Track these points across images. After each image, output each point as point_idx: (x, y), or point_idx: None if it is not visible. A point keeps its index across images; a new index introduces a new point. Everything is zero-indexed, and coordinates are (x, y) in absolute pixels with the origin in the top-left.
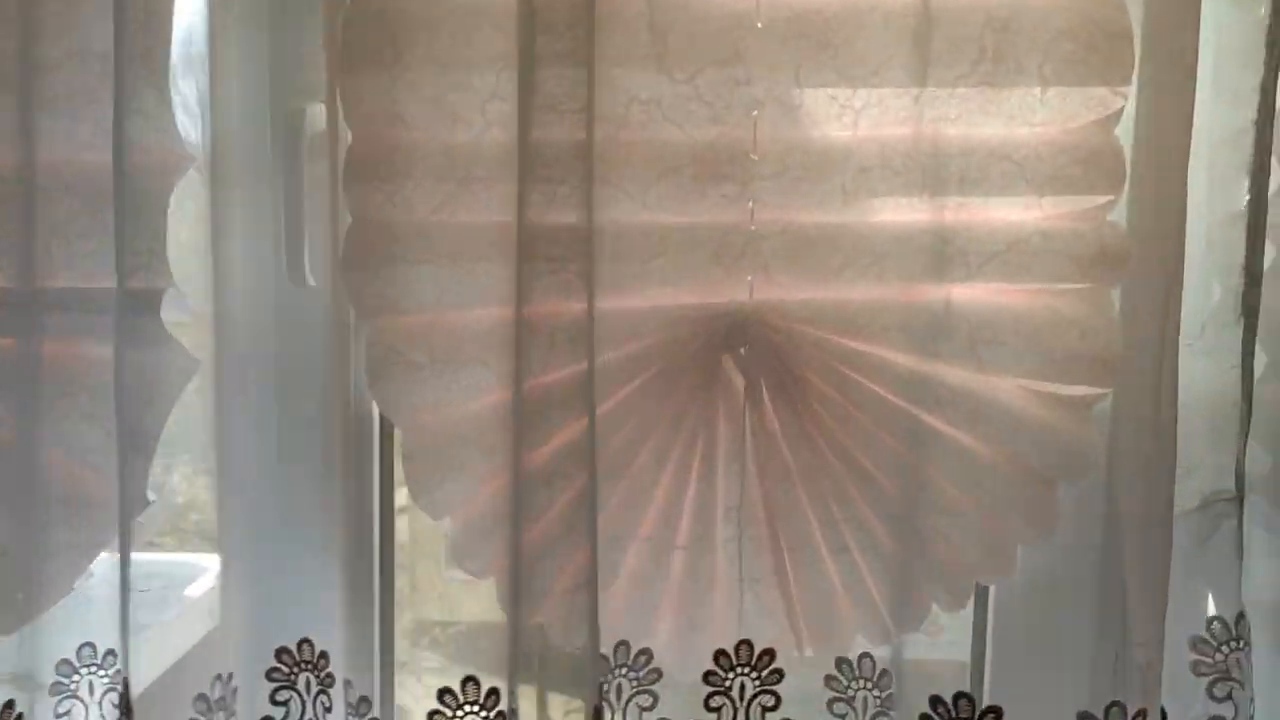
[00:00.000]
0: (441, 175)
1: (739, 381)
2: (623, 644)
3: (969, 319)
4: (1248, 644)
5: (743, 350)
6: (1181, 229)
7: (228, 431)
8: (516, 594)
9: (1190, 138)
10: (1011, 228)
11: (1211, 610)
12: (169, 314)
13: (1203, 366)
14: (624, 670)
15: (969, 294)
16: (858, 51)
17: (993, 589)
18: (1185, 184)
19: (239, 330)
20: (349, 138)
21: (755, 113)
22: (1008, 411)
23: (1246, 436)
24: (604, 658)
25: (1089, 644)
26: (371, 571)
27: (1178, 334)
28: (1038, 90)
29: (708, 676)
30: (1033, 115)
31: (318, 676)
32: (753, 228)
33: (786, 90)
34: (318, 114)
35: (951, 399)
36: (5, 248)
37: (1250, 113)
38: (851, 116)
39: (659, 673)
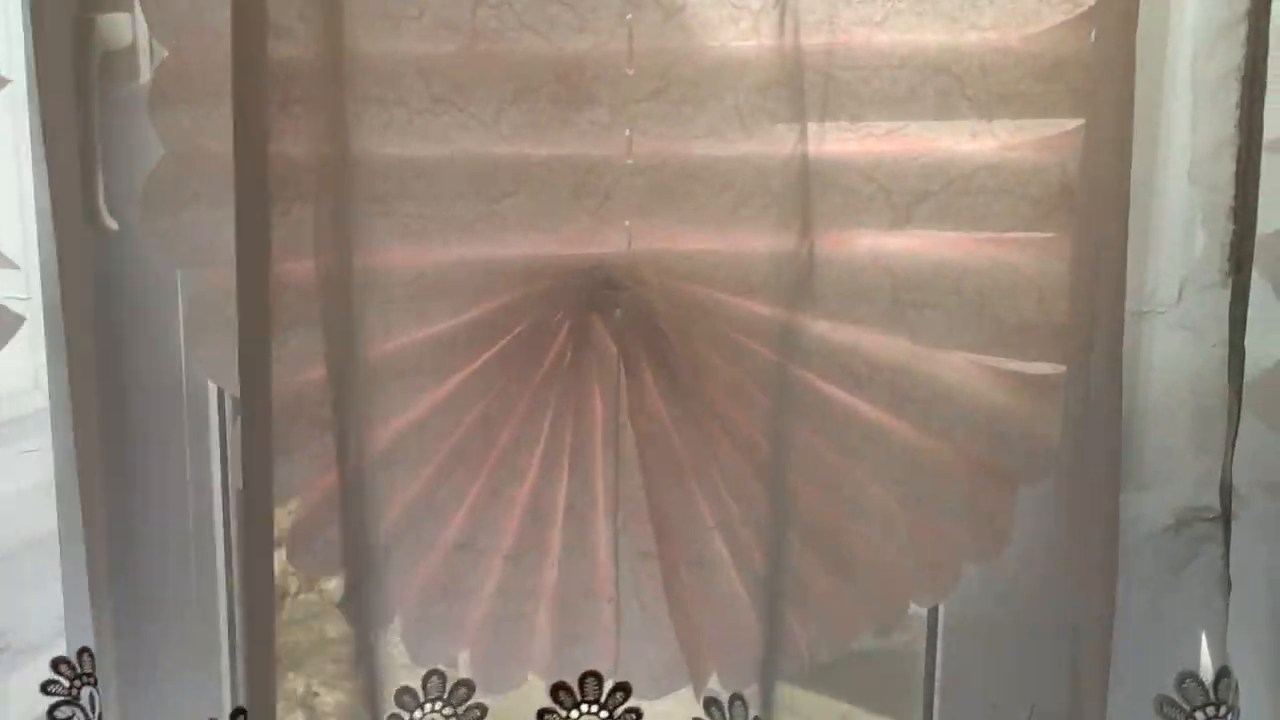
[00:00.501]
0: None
1: (613, 351)
2: (435, 674)
3: (895, 276)
4: (1232, 711)
5: (617, 313)
6: (1124, 161)
7: (54, 403)
8: (358, 603)
9: (1134, 37)
10: (951, 161)
11: (1185, 664)
12: None
13: (1180, 342)
14: (438, 704)
15: (896, 245)
16: None
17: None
18: (1130, 100)
19: (53, 282)
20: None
21: (630, 17)
22: (949, 393)
23: (1236, 436)
24: (408, 691)
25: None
26: (213, 569)
27: (1122, 298)
28: None
29: (542, 716)
30: (980, 17)
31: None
32: (629, 161)
33: None
34: (119, 24)
35: (875, 376)
36: None
37: (1242, 1)
38: (750, 21)
39: (482, 710)
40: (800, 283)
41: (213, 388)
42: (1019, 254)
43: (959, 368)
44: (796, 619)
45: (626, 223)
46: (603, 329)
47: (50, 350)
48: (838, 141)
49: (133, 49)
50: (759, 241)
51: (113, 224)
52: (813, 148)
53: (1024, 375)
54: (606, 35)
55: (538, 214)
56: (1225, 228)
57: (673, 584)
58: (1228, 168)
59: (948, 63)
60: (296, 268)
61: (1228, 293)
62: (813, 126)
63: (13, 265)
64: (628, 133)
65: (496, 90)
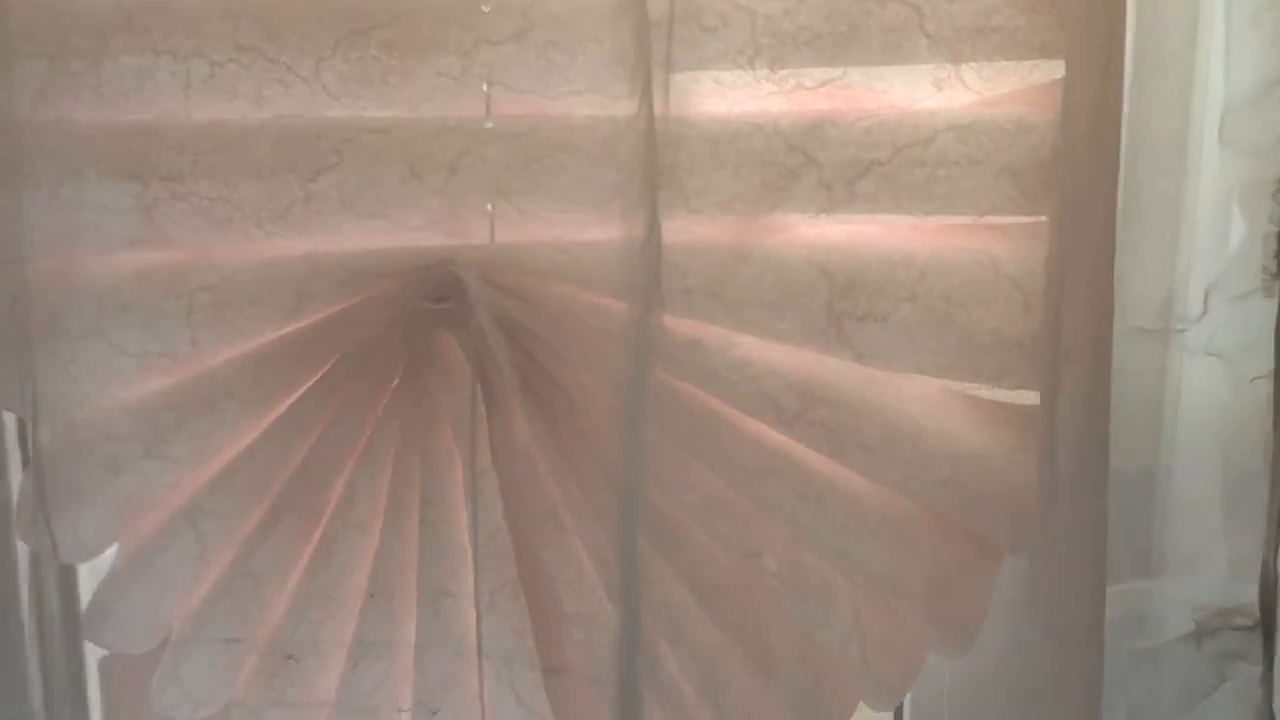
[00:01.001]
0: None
1: (467, 376)
2: None
3: (831, 277)
4: None
5: (471, 326)
6: (1110, 117)
7: None
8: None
9: None
10: (905, 121)
11: None
12: None
13: (1205, 372)
14: None
15: (832, 235)
16: None
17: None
18: (1120, 34)
19: None
20: None
21: None
22: (906, 431)
23: None
24: None
25: None
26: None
27: (1107, 306)
28: None
29: None
30: None
31: None
32: (488, 125)
33: None
34: None
35: (807, 411)
36: None
37: None
38: None
39: None
40: (707, 286)
41: (9, 417)
42: (997, 245)
43: (919, 398)
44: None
45: (489, 206)
46: (454, 347)
47: None
48: (752, 96)
49: None
50: (602, 230)
51: None
52: (717, 105)
53: (1005, 406)
54: None
55: (364, 194)
56: (1270, 210)
57: (554, 673)
58: (1273, 124)
59: None
60: (88, 263)
61: (1273, 303)
62: (719, 76)
63: None
64: (485, 87)
65: (315, 35)
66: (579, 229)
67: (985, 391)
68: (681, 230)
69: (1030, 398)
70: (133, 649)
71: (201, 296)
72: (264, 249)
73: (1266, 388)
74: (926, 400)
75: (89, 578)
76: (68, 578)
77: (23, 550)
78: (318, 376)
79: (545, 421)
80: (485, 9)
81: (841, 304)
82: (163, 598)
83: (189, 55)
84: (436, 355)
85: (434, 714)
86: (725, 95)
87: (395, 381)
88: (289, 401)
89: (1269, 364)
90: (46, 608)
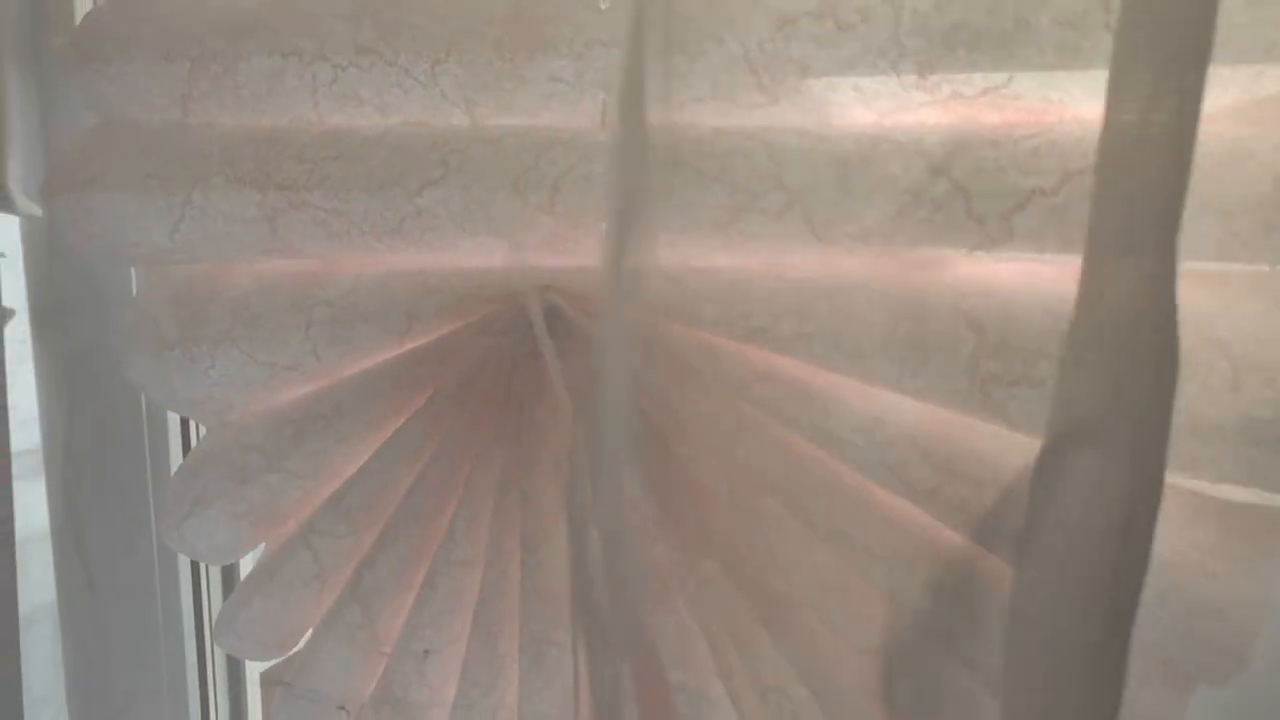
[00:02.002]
0: (174, 45)
1: (569, 413)
2: None
3: (978, 328)
4: None
5: (573, 361)
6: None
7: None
8: (290, 708)
9: None
10: (1082, 140)
11: None
12: None
13: None
14: None
15: (984, 275)
16: None
17: None
18: None
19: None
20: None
21: None
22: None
23: None
24: None
25: None
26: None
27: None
28: None
29: None
30: None
31: None
32: (601, 137)
33: None
34: None
35: (941, 484)
36: None
37: None
38: None
39: None
40: (831, 331)
41: (174, 417)
42: (1200, 299)
43: None
44: None
45: (603, 226)
46: (562, 378)
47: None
48: (901, 106)
49: None
50: (784, 261)
51: (34, 209)
52: (862, 116)
53: (1216, 504)
54: None
55: (471, 211)
56: None
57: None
58: None
59: None
60: (231, 270)
61: None
62: (859, 83)
63: None
64: (603, 95)
65: (430, 36)
66: (704, 254)
67: (1181, 483)
68: (805, 264)
69: (1247, 495)
70: (256, 658)
71: (321, 311)
72: (385, 261)
73: None
74: None
75: None
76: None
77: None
78: (424, 400)
79: (653, 475)
80: (603, 6)
81: (989, 365)
82: (283, 613)
83: (314, 58)
84: (542, 390)
85: None
86: (869, 105)
87: (495, 412)
88: (398, 423)
89: None
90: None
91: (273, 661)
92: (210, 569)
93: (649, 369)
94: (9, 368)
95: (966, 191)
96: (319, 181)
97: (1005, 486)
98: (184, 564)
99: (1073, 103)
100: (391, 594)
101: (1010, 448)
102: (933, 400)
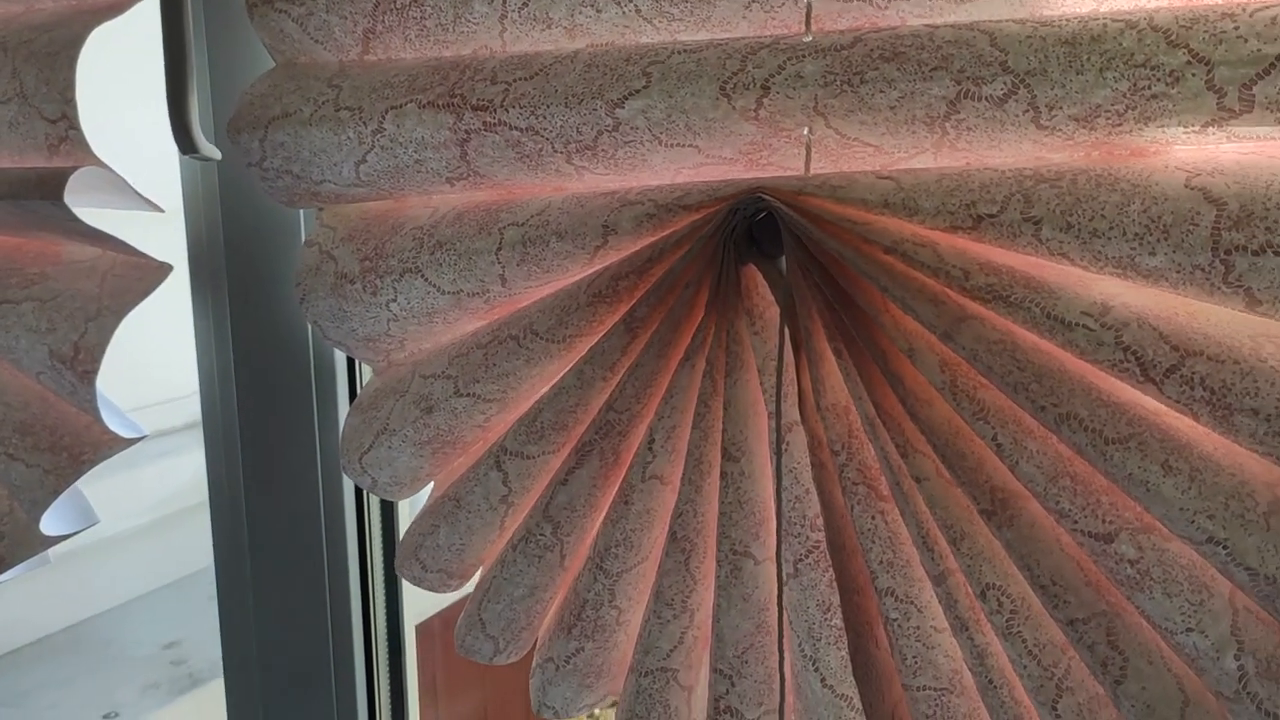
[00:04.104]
0: None
1: (775, 320)
2: None
3: (1215, 201)
4: None
5: (782, 263)
6: None
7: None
8: (476, 632)
9: None
10: None
11: None
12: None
13: None
14: None
15: (1217, 155)
16: None
17: None
18: None
19: (195, 227)
20: None
21: None
22: None
23: None
24: None
25: None
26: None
27: None
28: None
29: None
30: None
31: None
32: (807, 39)
33: None
34: None
35: (1179, 362)
36: None
37: None
38: None
39: None
40: (1059, 216)
41: (340, 358)
42: None
43: None
44: None
45: (805, 132)
46: (764, 287)
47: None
48: None
49: None
50: (981, 157)
51: (214, 152)
52: (1071, 5)
53: None
54: None
55: (673, 120)
56: None
57: (863, 654)
58: None
59: None
60: (411, 202)
61: None
62: None
63: (158, 209)
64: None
65: None
66: (907, 156)
67: None
68: (1017, 155)
69: None
70: (439, 588)
71: (511, 233)
72: (569, 186)
73: None
74: None
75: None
76: (389, 519)
77: (349, 485)
78: (620, 315)
79: (864, 375)
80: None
81: (1232, 236)
82: (469, 539)
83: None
84: (744, 295)
85: (732, 684)
86: None
87: (699, 322)
88: (592, 341)
89: None
90: (369, 547)
91: (444, 596)
92: (373, 530)
93: (863, 265)
94: (162, 337)
95: (1207, 60)
96: (515, 100)
97: (1245, 364)
98: (351, 518)
99: None
100: (583, 513)
101: (1240, 330)
102: (1169, 279)
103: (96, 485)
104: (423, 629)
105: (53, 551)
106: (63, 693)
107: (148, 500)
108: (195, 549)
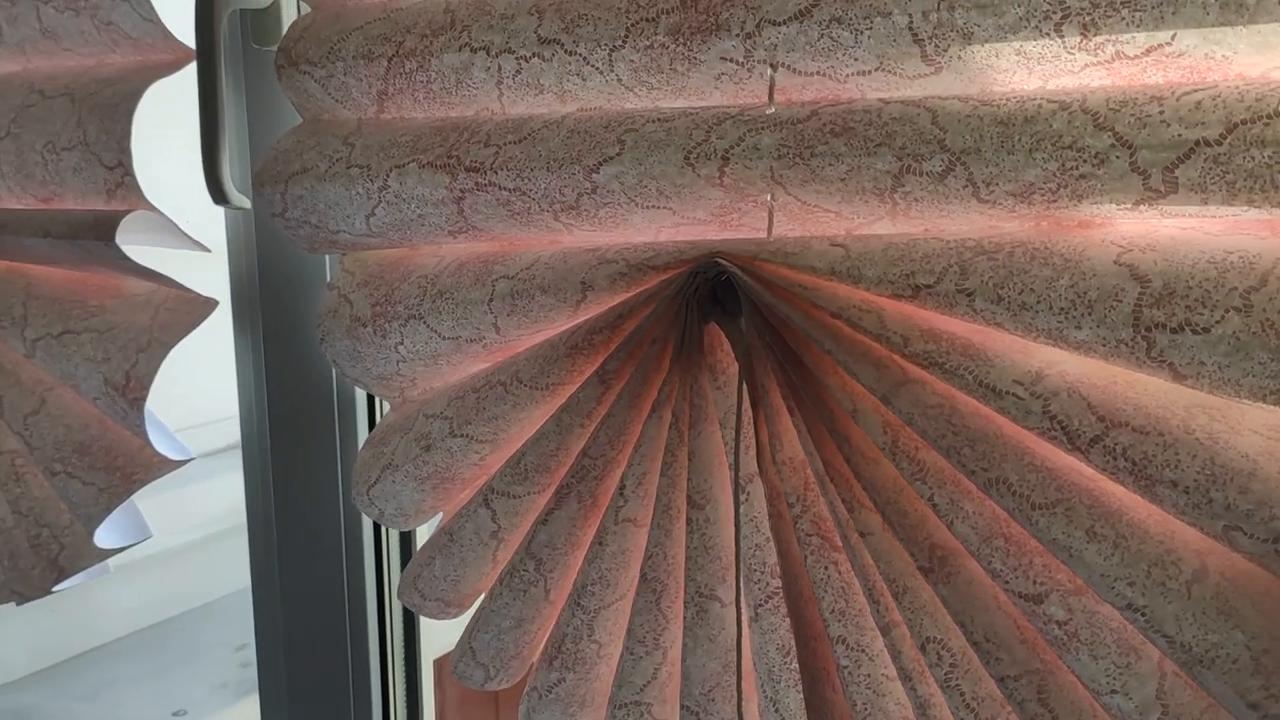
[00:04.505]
0: (373, 47)
1: (734, 378)
2: None
3: (1141, 278)
4: None
5: (741, 324)
6: None
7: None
8: (467, 660)
9: None
10: (1248, 93)
11: None
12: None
13: None
14: None
15: (1150, 231)
16: None
17: None
18: None
19: (236, 266)
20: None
21: None
22: (1233, 467)
23: None
24: None
25: None
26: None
27: None
28: None
29: None
30: None
31: None
32: (770, 111)
33: None
34: None
35: (1103, 432)
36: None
37: None
38: None
39: None
40: (991, 287)
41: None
42: None
43: (1262, 430)
44: None
45: (769, 197)
46: (726, 345)
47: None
48: (1066, 70)
49: (275, 9)
50: (936, 224)
51: (244, 202)
52: (1024, 82)
53: None
54: None
55: (645, 185)
56: None
57: (818, 698)
58: None
59: None
60: (420, 251)
61: None
62: (1023, 48)
63: (204, 249)
64: (770, 71)
65: (608, 24)
66: (866, 223)
67: None
68: (965, 227)
69: None
70: (438, 616)
71: (502, 285)
72: (562, 240)
73: None
74: (1270, 434)
75: None
76: (407, 547)
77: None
78: (596, 367)
79: (813, 433)
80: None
81: (1153, 313)
82: (462, 572)
83: (499, 51)
84: (708, 352)
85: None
86: (1032, 70)
87: (665, 376)
88: (572, 389)
89: None
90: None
91: (447, 621)
92: (393, 555)
93: (811, 329)
94: (209, 366)
95: (1130, 144)
96: (504, 163)
97: (1170, 435)
98: (369, 546)
99: (1237, 59)
100: (564, 551)
101: (1174, 401)
102: (1097, 352)
103: (162, 496)
104: (441, 663)
105: (125, 556)
106: (136, 690)
107: (215, 510)
108: None
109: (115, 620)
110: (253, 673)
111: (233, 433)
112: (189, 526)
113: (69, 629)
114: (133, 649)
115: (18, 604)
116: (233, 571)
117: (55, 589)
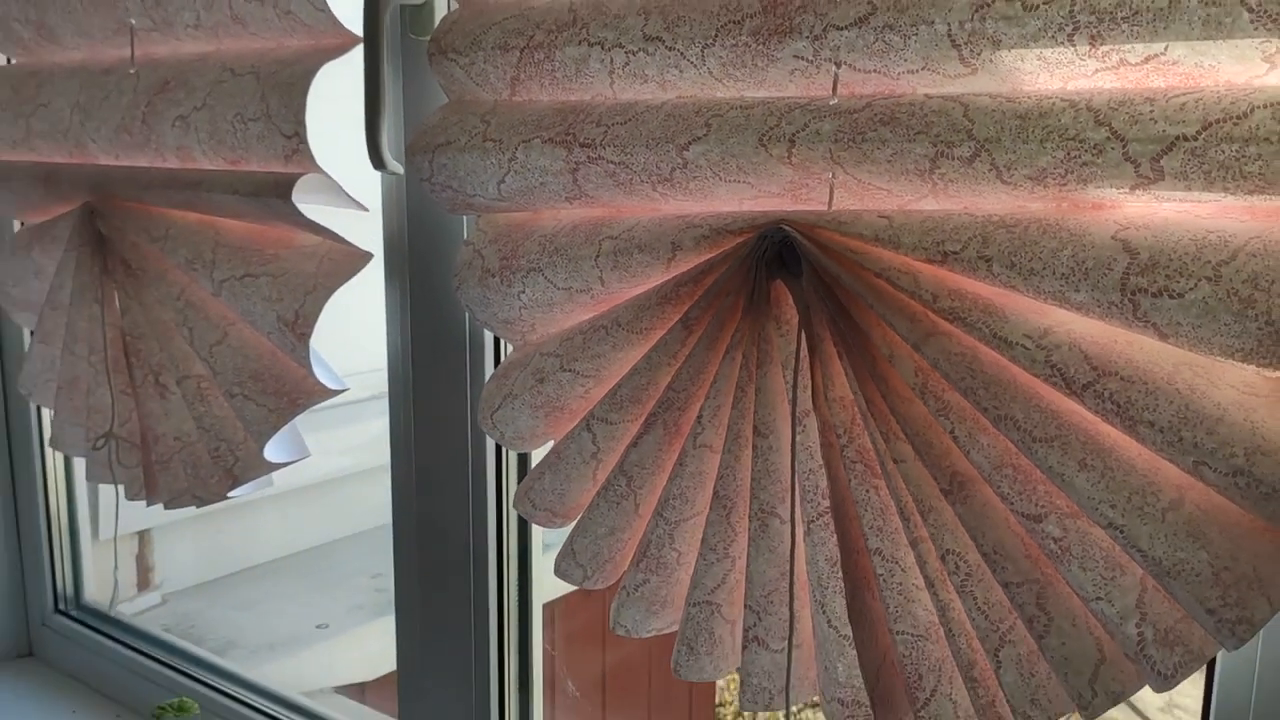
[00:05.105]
0: (508, 39)
1: (795, 326)
2: None
3: (1131, 250)
4: None
5: (801, 279)
6: None
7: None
8: (569, 558)
9: None
10: (1224, 97)
11: None
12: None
13: None
14: None
15: (1148, 212)
16: None
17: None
18: None
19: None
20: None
21: None
22: (1203, 413)
23: None
24: None
25: None
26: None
27: None
28: None
29: None
30: None
31: None
32: (833, 101)
33: None
34: None
35: (1095, 379)
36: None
37: None
38: None
39: None
40: (1006, 255)
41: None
42: None
43: (1235, 385)
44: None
45: (830, 175)
46: (788, 299)
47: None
48: (1080, 74)
49: (429, 5)
50: (972, 202)
51: (398, 168)
52: (1045, 81)
53: None
54: None
55: (727, 162)
56: None
57: (859, 602)
58: None
59: None
60: (543, 214)
61: None
62: (1043, 54)
63: (363, 208)
64: (834, 69)
65: (703, 25)
66: (914, 199)
67: None
68: (998, 203)
69: None
70: (546, 524)
71: (607, 244)
72: (660, 208)
73: None
74: (1244, 388)
75: None
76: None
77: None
78: (681, 314)
79: (858, 375)
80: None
81: (1137, 280)
82: (567, 486)
83: (612, 46)
84: (774, 304)
85: (759, 619)
86: (1053, 73)
87: (738, 323)
88: (662, 333)
89: None
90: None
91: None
92: (511, 494)
93: (858, 287)
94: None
95: (1123, 137)
96: (611, 140)
97: (1153, 384)
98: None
99: (1221, 68)
100: (650, 470)
101: (1164, 358)
102: (1092, 313)
103: (318, 434)
104: (549, 607)
105: (281, 487)
106: (285, 605)
107: (360, 451)
108: None
109: (270, 544)
110: (386, 598)
111: (378, 384)
112: (336, 467)
113: (231, 549)
114: (284, 569)
115: (197, 507)
116: (371, 510)
117: (230, 495)
